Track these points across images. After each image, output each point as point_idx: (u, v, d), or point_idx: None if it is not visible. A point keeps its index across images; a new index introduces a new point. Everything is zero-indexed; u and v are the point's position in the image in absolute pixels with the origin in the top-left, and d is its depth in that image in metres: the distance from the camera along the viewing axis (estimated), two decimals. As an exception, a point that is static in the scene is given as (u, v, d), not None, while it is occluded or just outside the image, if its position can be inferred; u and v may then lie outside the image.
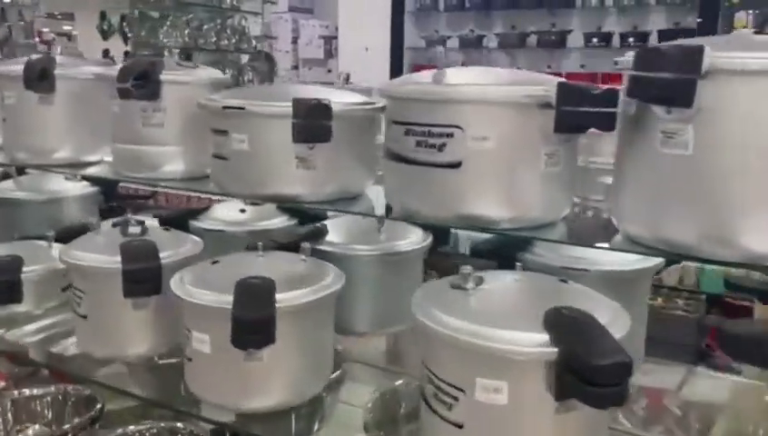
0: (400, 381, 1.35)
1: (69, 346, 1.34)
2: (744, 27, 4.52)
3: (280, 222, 1.48)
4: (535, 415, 0.89)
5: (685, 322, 2.57)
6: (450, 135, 0.96)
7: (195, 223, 1.48)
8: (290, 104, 1.10)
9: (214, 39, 4.55)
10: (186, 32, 4.31)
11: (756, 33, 0.84)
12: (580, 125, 0.93)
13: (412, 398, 1.14)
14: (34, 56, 1.41)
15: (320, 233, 1.35)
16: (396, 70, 5.65)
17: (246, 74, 4.56)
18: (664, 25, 4.90)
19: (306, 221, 1.47)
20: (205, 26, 4.45)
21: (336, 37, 6.22)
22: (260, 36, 5.28)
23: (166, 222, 1.37)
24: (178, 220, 1.45)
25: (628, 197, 0.92)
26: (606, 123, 0.89)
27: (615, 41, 5.04)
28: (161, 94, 1.31)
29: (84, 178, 1.69)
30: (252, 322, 1.03)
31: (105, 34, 5.50)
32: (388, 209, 1.14)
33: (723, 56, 0.76)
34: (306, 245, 1.27)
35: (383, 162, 1.13)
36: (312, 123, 1.07)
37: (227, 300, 1.03)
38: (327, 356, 1.21)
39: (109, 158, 1.57)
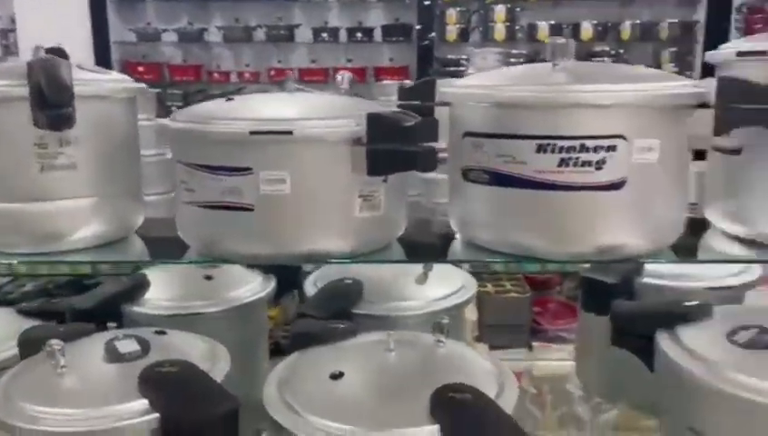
0: None
1: None
2: (455, 24, 5.04)
3: (254, 288, 1.04)
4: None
5: (518, 302, 2.73)
6: (612, 148, 0.77)
7: (139, 311, 0.96)
8: (357, 121, 0.77)
9: None
10: None
11: None
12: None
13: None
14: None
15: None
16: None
17: None
18: (385, 21, 5.15)
19: (286, 283, 1.08)
20: None
21: (14, 30, 5.05)
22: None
23: (83, 317, 0.85)
24: (104, 309, 0.92)
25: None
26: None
27: (343, 36, 5.12)
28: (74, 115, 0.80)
29: None
30: None
31: None
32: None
33: None
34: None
35: (464, 188, 0.87)
36: (411, 148, 0.76)
37: None
38: None
39: None
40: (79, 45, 4.86)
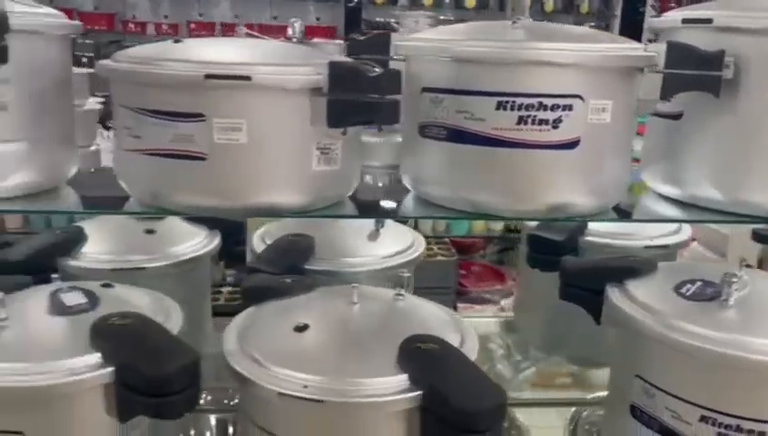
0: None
1: None
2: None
3: (198, 243, 0.99)
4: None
5: (445, 265, 2.79)
6: (569, 108, 0.79)
7: (77, 265, 0.89)
8: (318, 69, 0.74)
9: None
10: None
11: None
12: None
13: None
14: None
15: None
16: None
17: None
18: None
19: (231, 239, 1.04)
20: None
21: None
22: None
23: (15, 269, 0.78)
24: (38, 261, 0.84)
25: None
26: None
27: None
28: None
29: None
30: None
31: None
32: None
33: None
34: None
35: (420, 144, 0.87)
36: (374, 100, 0.75)
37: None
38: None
39: None
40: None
